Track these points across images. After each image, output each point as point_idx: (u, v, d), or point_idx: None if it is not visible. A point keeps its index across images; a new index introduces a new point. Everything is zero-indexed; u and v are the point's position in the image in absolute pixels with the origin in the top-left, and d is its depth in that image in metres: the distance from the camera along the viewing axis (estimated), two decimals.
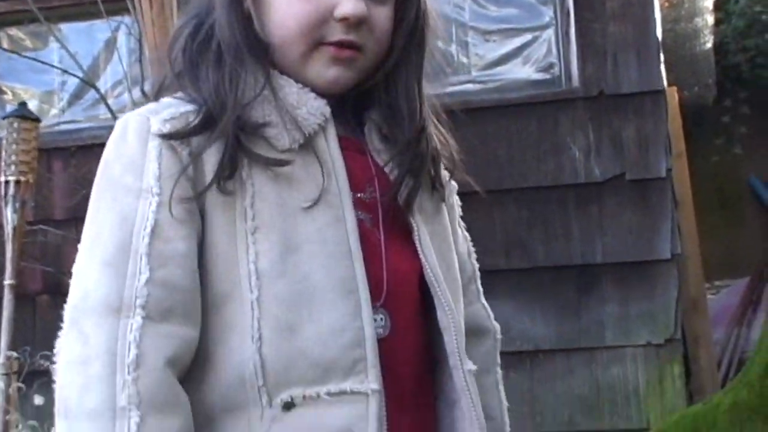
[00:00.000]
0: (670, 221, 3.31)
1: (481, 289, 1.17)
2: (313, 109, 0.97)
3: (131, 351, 0.84)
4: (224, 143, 0.92)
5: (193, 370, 0.89)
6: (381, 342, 0.93)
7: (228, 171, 0.91)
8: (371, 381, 0.90)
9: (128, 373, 0.84)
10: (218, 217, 0.91)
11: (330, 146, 0.97)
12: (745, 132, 5.39)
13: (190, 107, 0.95)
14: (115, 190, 0.91)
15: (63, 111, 3.76)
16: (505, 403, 1.13)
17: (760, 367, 2.88)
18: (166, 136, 0.92)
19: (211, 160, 0.92)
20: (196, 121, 0.93)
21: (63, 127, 3.72)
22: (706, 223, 4.57)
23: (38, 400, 2.60)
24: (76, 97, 3.76)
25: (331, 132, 0.98)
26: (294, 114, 0.95)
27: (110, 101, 3.39)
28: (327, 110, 0.98)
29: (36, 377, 2.62)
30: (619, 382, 3.31)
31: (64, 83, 3.75)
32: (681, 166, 3.77)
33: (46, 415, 2.71)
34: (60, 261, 3.28)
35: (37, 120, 2.81)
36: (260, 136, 0.94)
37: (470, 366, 1.00)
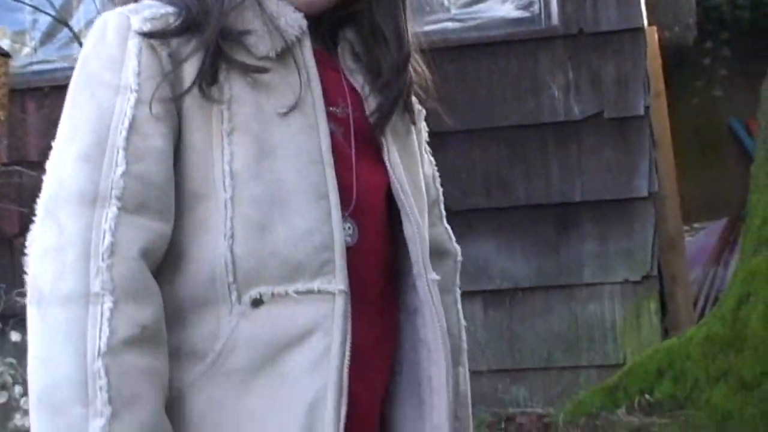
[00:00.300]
0: (648, 159, 3.32)
1: (444, 213, 1.20)
2: (291, 20, 0.98)
3: (106, 239, 0.86)
4: (205, 48, 0.93)
5: (165, 266, 0.91)
6: (348, 250, 0.95)
7: (208, 77, 0.92)
8: (338, 282, 0.92)
9: (102, 260, 0.85)
10: (195, 118, 0.92)
11: (305, 58, 0.99)
12: (725, 74, 5.39)
13: (170, 9, 0.96)
14: (93, 86, 0.92)
15: (35, 50, 3.69)
16: (463, 322, 1.16)
17: (732, 301, 2.93)
18: (146, 35, 0.92)
19: (190, 63, 0.93)
20: (177, 23, 0.94)
21: (36, 67, 3.66)
22: (685, 165, 4.59)
23: (15, 336, 2.61)
24: (48, 36, 3.69)
25: (307, 44, 0.99)
26: (275, 23, 0.97)
27: (84, 40, 3.33)
28: (304, 23, 0.99)
29: (12, 315, 2.62)
30: (596, 318, 3.35)
31: (35, 22, 3.67)
32: (660, 105, 3.77)
33: (23, 352, 2.71)
34: (36, 202, 3.25)
35: (6, 55, 2.76)
36: (240, 44, 0.95)
37: (433, 276, 1.03)
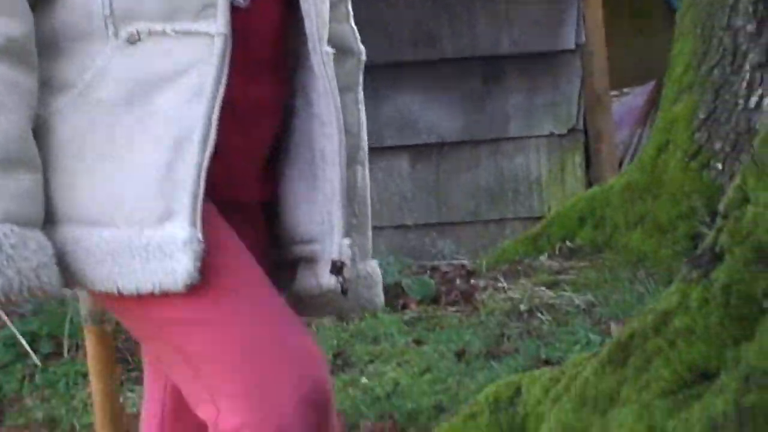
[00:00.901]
0: (576, 11, 3.30)
1: (351, 12, 1.19)
2: None
3: None
4: None
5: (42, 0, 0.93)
6: (240, 11, 0.95)
7: None
8: (220, 26, 0.92)
9: None
10: None
11: None
12: None
13: None
14: None
15: None
16: (364, 121, 1.17)
17: (652, 149, 2.99)
18: None
19: None
20: None
21: None
22: (616, 30, 4.57)
23: None
24: None
25: None
26: None
27: None
28: None
29: None
30: (522, 171, 3.40)
31: None
32: None
33: None
34: None
35: None
36: None
37: (328, 49, 1.03)
